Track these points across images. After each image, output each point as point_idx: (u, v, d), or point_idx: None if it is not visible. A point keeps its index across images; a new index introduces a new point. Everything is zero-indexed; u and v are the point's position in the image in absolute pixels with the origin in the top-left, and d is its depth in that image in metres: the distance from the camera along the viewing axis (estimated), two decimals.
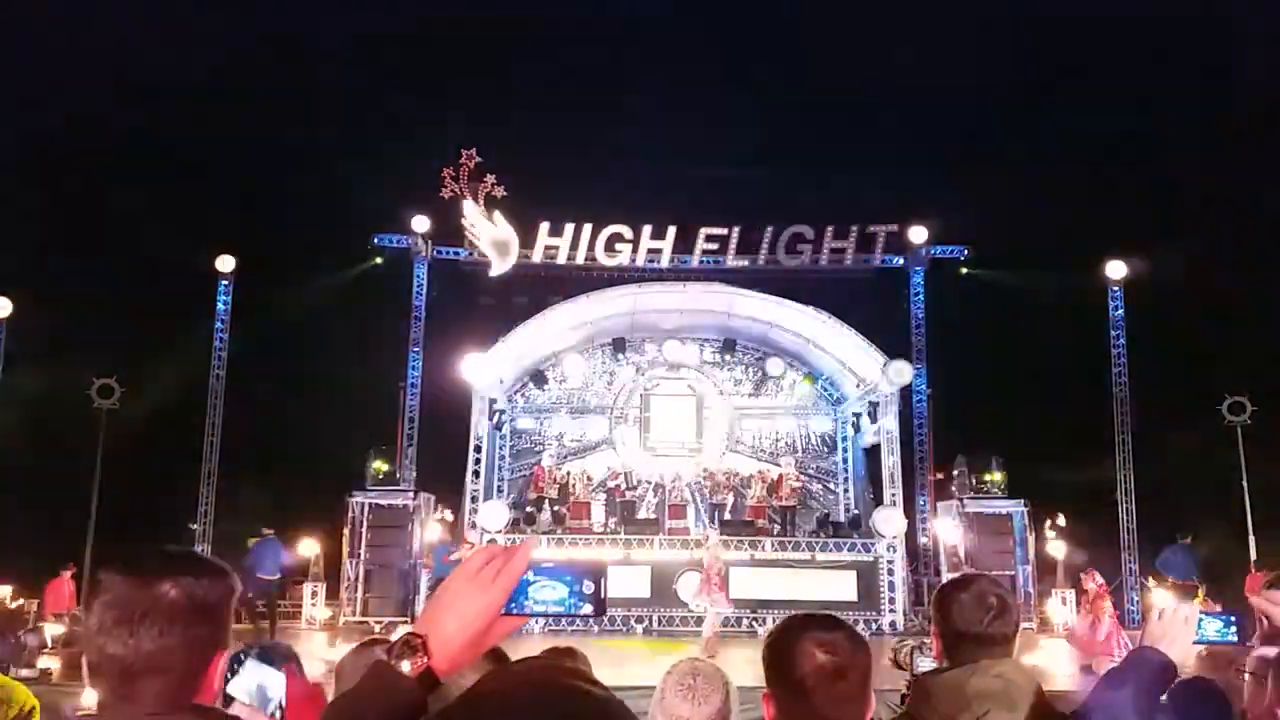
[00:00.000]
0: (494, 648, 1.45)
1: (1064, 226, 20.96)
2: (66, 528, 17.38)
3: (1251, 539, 17.17)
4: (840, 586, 16.39)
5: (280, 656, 2.65)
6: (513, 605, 1.29)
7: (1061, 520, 17.71)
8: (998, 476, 18.18)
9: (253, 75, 21.53)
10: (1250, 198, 19.96)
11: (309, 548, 17.29)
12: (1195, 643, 2.22)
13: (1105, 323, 19.13)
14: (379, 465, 18.26)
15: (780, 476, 18.66)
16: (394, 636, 1.82)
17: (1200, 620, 2.26)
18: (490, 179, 19.10)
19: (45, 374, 17.98)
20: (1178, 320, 19.48)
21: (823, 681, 1.89)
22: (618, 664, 11.89)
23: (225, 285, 19.52)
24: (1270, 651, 2.20)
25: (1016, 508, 17.86)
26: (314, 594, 17.59)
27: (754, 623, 15.67)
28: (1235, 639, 2.20)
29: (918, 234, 20.00)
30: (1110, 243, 19.66)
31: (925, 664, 2.97)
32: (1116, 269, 19.03)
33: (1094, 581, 13.35)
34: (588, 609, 1.32)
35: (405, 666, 1.25)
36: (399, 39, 23.67)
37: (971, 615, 2.24)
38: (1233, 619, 2.21)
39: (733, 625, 15.07)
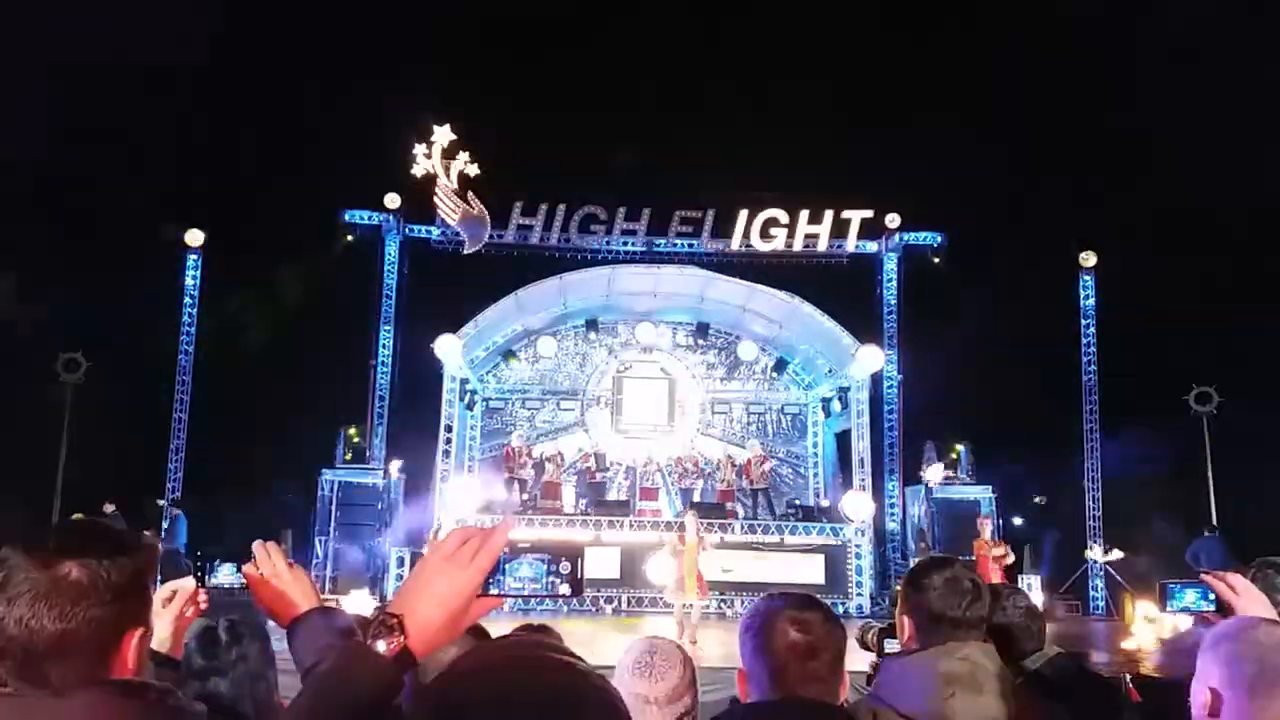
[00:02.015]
0: (475, 624, 1.43)
1: (1037, 214, 21.11)
2: (31, 504, 17.19)
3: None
4: (808, 570, 16.50)
5: (250, 630, 2.64)
6: (490, 585, 1.28)
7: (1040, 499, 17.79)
8: (960, 450, 18.39)
9: (223, 48, 21.23)
10: (1229, 188, 20.15)
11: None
12: (1177, 610, 2.41)
13: (1076, 311, 19.30)
14: (350, 439, 18.22)
15: (749, 460, 18.74)
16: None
17: (1176, 590, 2.40)
18: (463, 156, 18.94)
19: (10, 348, 17.74)
20: (1148, 309, 19.67)
21: (795, 659, 1.91)
22: (586, 643, 11.92)
23: (194, 259, 19.30)
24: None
25: (984, 493, 18.05)
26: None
27: (722, 605, 15.76)
28: (1213, 607, 2.32)
29: (891, 220, 20.06)
30: (1083, 231, 19.84)
31: (892, 646, 2.98)
32: (1088, 257, 19.19)
33: (986, 534, 14.00)
34: (565, 589, 1.32)
35: (381, 646, 1.23)
36: (371, 11, 23.43)
37: (948, 599, 2.26)
38: (1210, 590, 2.33)
39: (711, 609, 15.11)
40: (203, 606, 2.31)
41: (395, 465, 18.40)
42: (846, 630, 2.04)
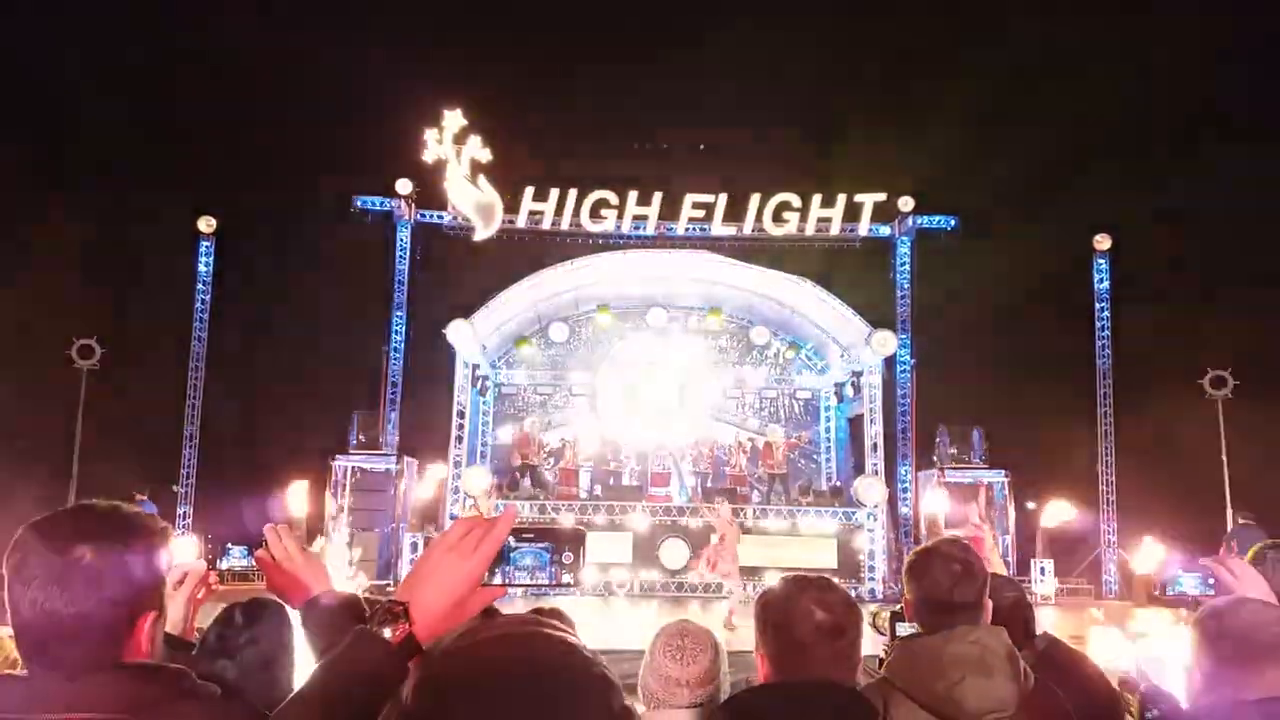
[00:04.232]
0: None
1: (1052, 198, 20.97)
2: (47, 489, 17.30)
3: (1229, 511, 17.33)
4: (821, 554, 16.52)
5: (269, 613, 2.66)
6: (494, 575, 1.31)
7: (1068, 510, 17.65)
8: (977, 445, 18.37)
9: (235, 33, 21.23)
10: (1242, 166, 19.97)
11: (297, 498, 17.13)
12: (1174, 594, 2.57)
13: (1090, 294, 19.16)
14: (362, 425, 18.28)
15: (768, 444, 18.73)
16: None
17: (1176, 576, 2.57)
18: (475, 141, 18.89)
19: (25, 334, 17.82)
20: (1164, 292, 19.56)
21: (823, 640, 1.95)
22: (603, 627, 11.97)
23: (207, 246, 19.34)
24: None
25: (997, 477, 18.02)
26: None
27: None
28: (1212, 593, 2.45)
29: (905, 203, 19.92)
30: (1098, 214, 19.70)
31: (904, 630, 2.99)
32: (1102, 240, 19.04)
33: (977, 518, 14.04)
34: (567, 578, 1.34)
35: (387, 634, 1.26)
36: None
37: (937, 581, 2.26)
38: (1211, 576, 2.47)
39: (713, 591, 15.16)
40: (214, 589, 2.34)
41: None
42: (862, 614, 2.08)
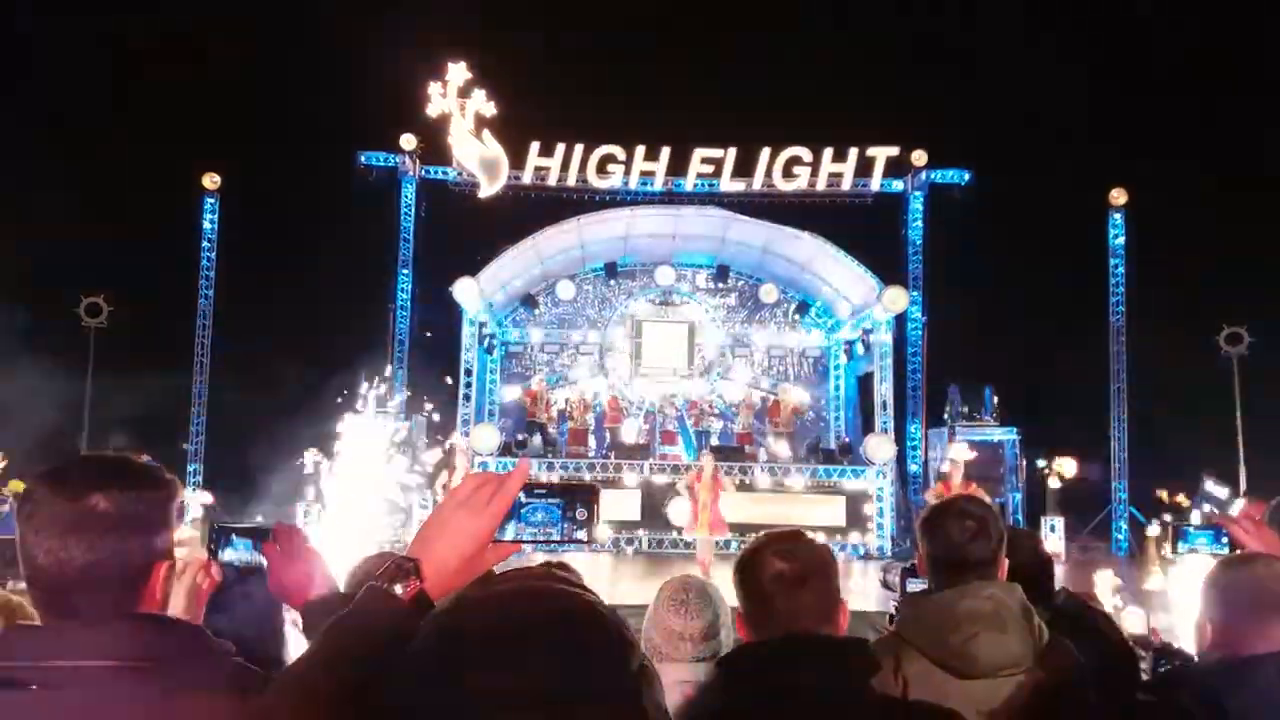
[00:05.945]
0: None
1: (1067, 152, 20.68)
2: (57, 449, 17.34)
3: (1242, 469, 17.25)
4: (829, 512, 16.48)
5: (257, 571, 2.61)
6: (505, 531, 1.29)
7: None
8: (989, 403, 18.30)
9: None
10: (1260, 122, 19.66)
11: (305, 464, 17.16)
12: (1186, 551, 2.58)
13: (1105, 250, 18.92)
14: (370, 383, 18.24)
15: (777, 402, 18.64)
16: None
17: (1189, 533, 2.59)
18: (479, 95, 18.65)
19: (33, 292, 17.78)
20: (1180, 248, 19.32)
21: (784, 589, 1.88)
22: (611, 583, 12.00)
23: (212, 203, 19.23)
24: None
25: (1008, 436, 17.95)
26: (305, 514, 17.65)
27: (743, 547, 15.77)
28: (1225, 550, 2.46)
29: (918, 158, 19.65)
30: (1113, 169, 19.42)
31: (914, 586, 2.95)
32: (1118, 195, 18.77)
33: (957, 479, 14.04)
34: (581, 534, 1.32)
35: (398, 589, 1.27)
36: None
37: (951, 537, 2.22)
38: (1224, 532, 2.50)
39: (721, 549, 15.13)
40: (215, 578, 2.33)
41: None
42: (835, 560, 2.01)
